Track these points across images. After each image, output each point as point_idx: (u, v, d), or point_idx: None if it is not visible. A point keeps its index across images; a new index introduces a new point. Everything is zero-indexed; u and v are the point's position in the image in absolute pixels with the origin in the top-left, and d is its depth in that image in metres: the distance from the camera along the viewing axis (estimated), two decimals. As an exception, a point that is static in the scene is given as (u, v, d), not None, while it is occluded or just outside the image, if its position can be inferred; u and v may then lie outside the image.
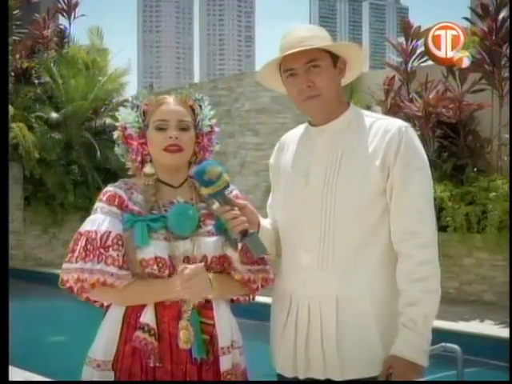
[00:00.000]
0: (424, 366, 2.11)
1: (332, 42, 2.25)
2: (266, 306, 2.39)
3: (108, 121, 13.88)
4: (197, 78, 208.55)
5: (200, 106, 2.30)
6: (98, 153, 13.39)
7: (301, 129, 2.37)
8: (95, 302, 2.27)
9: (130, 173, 2.33)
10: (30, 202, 13.43)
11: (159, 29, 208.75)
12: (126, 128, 2.26)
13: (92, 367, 2.13)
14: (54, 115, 13.37)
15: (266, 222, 2.31)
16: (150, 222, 2.12)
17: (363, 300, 2.14)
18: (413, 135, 2.19)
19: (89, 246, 2.13)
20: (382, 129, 2.18)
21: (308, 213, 2.20)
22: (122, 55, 16.58)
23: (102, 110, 14.07)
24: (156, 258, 2.11)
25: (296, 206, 2.24)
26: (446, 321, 7.57)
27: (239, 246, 2.20)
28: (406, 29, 10.56)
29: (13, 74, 13.79)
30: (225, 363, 2.14)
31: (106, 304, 2.25)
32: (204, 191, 2.13)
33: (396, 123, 2.20)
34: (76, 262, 2.13)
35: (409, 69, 9.94)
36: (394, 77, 10.00)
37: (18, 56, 13.86)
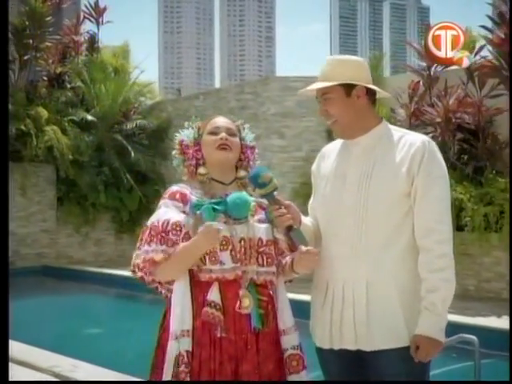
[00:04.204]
0: (442, 341, 2.53)
1: (354, 72, 2.65)
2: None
3: (139, 123, 14.21)
4: (217, 79, 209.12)
5: (243, 128, 2.81)
6: (130, 155, 13.73)
7: (339, 141, 2.80)
8: (158, 285, 2.65)
9: (184, 179, 2.76)
10: (63, 202, 13.73)
11: (180, 30, 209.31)
12: (183, 141, 2.74)
13: (174, 340, 2.48)
14: (85, 118, 13.71)
15: (306, 220, 2.74)
16: (214, 205, 2.54)
17: (389, 284, 2.55)
18: (434, 148, 2.62)
19: (152, 233, 2.56)
20: (409, 142, 2.61)
21: (344, 209, 2.62)
22: (146, 58, 17.07)
23: (132, 112, 14.43)
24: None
25: (334, 203, 2.66)
26: (465, 316, 7.87)
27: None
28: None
29: (46, 78, 14.23)
30: (285, 342, 2.60)
31: (164, 291, 2.65)
32: (258, 192, 2.58)
33: (420, 138, 2.63)
34: (142, 247, 2.57)
35: (432, 74, 10.18)
36: (418, 82, 10.26)
37: (50, 61, 14.27)
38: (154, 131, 14.35)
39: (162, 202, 2.65)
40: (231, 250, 2.55)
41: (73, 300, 11.55)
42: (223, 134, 2.67)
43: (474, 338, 4.53)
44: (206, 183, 2.68)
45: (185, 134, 2.75)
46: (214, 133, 2.69)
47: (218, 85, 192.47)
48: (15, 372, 5.39)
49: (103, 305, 11.59)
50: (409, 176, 2.55)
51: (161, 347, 2.57)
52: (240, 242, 2.56)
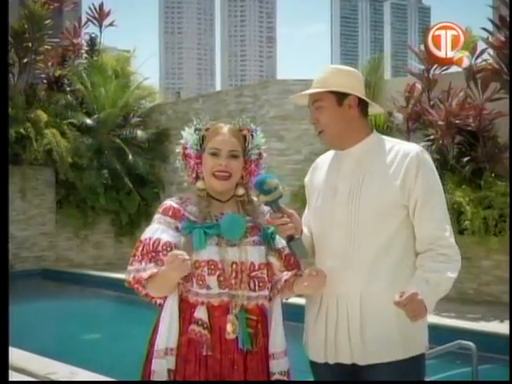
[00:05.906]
0: (428, 312, 2.43)
1: (347, 82, 2.62)
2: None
3: (139, 133, 14.17)
4: (218, 79, 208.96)
5: (252, 136, 2.65)
6: (129, 157, 13.69)
7: (331, 152, 2.77)
8: (152, 299, 2.61)
9: (186, 184, 2.70)
10: (63, 205, 13.72)
11: (181, 30, 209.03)
12: (186, 147, 2.63)
13: (161, 358, 2.45)
14: (85, 121, 13.68)
15: (306, 230, 2.70)
16: (205, 229, 2.48)
17: (382, 296, 2.51)
18: (428, 158, 2.59)
19: (144, 251, 2.51)
20: (401, 152, 2.57)
21: (335, 222, 2.59)
22: (147, 59, 17.07)
23: (132, 116, 14.40)
24: (208, 261, 2.48)
25: (326, 216, 2.63)
26: (464, 320, 7.85)
27: (282, 253, 2.60)
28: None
29: (45, 81, 14.20)
30: (273, 367, 2.52)
31: (159, 302, 2.61)
32: (262, 199, 2.52)
33: (413, 148, 2.59)
34: (134, 263, 2.52)
35: (430, 76, 10.14)
36: (414, 84, 10.23)
37: (50, 64, 14.22)
38: (152, 134, 14.34)
39: (156, 216, 2.59)
40: (219, 275, 2.48)
41: (72, 303, 11.55)
42: (222, 161, 2.54)
43: (471, 344, 4.52)
44: (204, 198, 2.60)
45: (189, 142, 2.62)
46: (214, 154, 2.56)
47: (218, 85, 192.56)
48: (13, 379, 5.37)
49: (103, 308, 11.58)
50: (403, 189, 2.52)
51: (149, 361, 2.53)
52: (231, 265, 2.50)
